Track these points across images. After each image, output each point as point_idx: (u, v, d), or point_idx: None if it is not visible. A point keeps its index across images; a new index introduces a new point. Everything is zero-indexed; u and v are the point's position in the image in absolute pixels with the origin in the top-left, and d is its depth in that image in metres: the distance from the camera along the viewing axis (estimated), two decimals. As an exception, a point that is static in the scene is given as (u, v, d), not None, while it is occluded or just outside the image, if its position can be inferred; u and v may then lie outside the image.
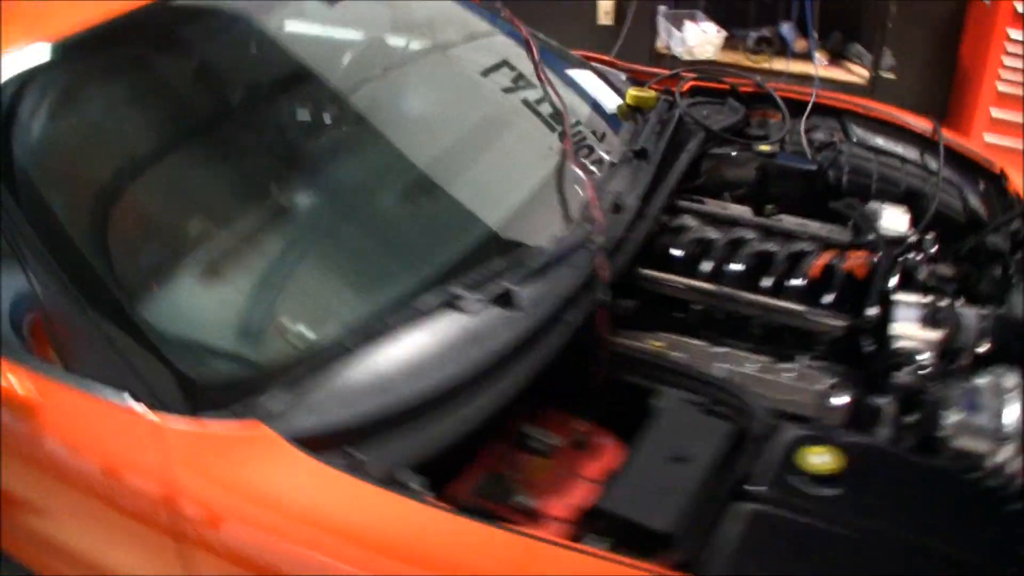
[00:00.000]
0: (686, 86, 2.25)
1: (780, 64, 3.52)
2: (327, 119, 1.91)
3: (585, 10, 3.83)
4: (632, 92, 2.14)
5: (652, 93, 2.15)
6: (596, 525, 1.23)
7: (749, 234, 1.78)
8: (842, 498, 1.24)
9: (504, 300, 1.45)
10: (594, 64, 2.35)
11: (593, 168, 1.85)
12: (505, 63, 2.10)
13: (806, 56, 3.46)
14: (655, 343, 1.61)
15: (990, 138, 3.24)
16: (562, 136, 1.89)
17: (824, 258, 1.69)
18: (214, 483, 1.30)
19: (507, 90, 2.06)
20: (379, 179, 1.78)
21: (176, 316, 1.51)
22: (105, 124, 1.73)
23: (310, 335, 1.45)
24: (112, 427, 1.40)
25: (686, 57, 3.44)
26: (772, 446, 1.32)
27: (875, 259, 1.68)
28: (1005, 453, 1.34)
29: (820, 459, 1.28)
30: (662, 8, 3.63)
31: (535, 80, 2.05)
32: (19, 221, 1.45)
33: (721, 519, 1.20)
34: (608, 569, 1.09)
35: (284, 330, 1.45)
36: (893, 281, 1.62)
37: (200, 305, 1.54)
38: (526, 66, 2.09)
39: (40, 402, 1.44)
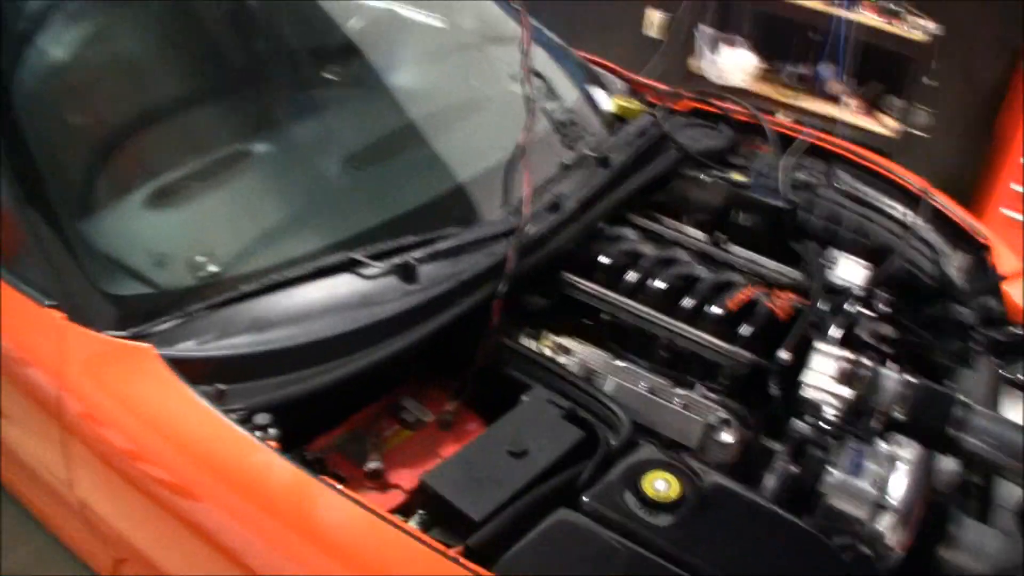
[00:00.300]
0: (683, 105, 2.25)
1: (810, 103, 3.48)
2: (298, 77, 1.97)
3: (632, 21, 3.83)
4: (617, 101, 2.16)
5: (638, 105, 2.16)
6: (420, 499, 1.27)
7: (684, 256, 1.79)
8: (668, 527, 1.25)
9: (403, 272, 1.49)
10: (594, 68, 2.37)
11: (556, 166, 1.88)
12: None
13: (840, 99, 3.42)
14: (551, 343, 1.63)
15: (1006, 212, 3.17)
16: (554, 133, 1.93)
17: (747, 293, 1.68)
18: (96, 387, 1.41)
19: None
20: (330, 139, 1.84)
21: (108, 235, 1.60)
22: (87, 51, 1.82)
23: (215, 271, 1.50)
24: (30, 323, 1.50)
25: (716, 80, 3.43)
26: (623, 464, 1.33)
27: (802, 304, 1.68)
28: (882, 523, 1.31)
29: (660, 485, 1.29)
30: (702, 28, 3.61)
31: (555, 90, 2.07)
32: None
33: (536, 520, 1.22)
34: (398, 539, 1.13)
35: (194, 264, 1.51)
36: (834, 332, 1.60)
37: (132, 229, 1.63)
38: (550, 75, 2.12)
39: None
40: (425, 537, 1.13)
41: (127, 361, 1.38)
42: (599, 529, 1.21)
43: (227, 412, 1.27)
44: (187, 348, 1.38)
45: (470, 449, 1.34)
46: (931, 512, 1.35)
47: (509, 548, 1.17)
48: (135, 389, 1.36)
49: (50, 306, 1.47)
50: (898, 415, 1.47)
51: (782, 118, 2.26)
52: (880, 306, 1.78)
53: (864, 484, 1.33)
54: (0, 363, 1.57)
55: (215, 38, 1.99)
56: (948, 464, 1.43)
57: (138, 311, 1.46)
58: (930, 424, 1.44)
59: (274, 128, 1.86)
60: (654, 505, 1.27)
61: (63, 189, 1.62)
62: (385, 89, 2.03)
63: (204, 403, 1.29)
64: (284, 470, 1.20)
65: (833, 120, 3.35)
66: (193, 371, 1.34)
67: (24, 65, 1.69)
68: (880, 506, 1.32)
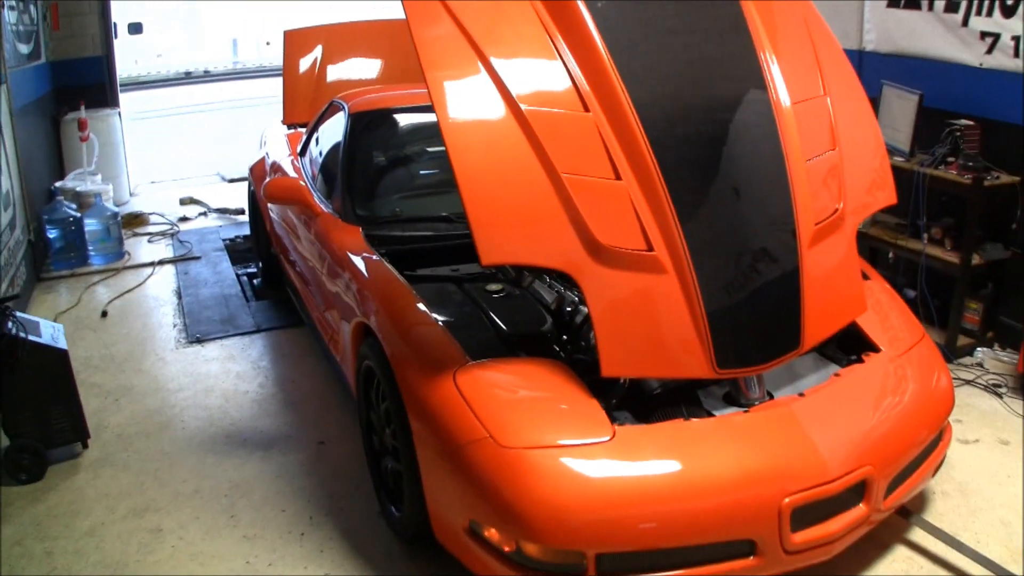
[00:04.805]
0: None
1: (907, 242, 4.94)
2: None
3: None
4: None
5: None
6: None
7: None
8: (487, 295, 3.38)
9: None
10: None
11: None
12: None
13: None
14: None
15: None
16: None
17: None
18: (336, 236, 4.13)
19: None
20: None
21: (371, 202, 4.33)
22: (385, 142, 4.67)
23: (399, 214, 4.16)
24: (328, 221, 4.29)
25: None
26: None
27: None
28: None
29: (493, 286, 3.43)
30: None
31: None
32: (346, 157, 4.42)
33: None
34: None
35: (394, 212, 4.20)
36: None
37: (380, 202, 4.36)
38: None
39: (320, 214, 4.33)
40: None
41: (349, 231, 4.05)
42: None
43: (374, 247, 3.80)
44: (373, 230, 3.93)
45: None
46: None
47: None
48: (346, 239, 3.99)
49: (333, 215, 4.28)
50: None
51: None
52: None
53: None
54: (321, 229, 4.25)
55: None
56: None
57: (365, 220, 4.06)
58: None
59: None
60: (488, 290, 3.41)
61: (362, 194, 4.31)
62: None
63: (364, 242, 3.85)
64: (378, 263, 3.69)
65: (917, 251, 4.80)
66: (370, 237, 3.91)
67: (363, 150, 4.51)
68: None
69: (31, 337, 3.82)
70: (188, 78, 17.13)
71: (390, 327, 3.25)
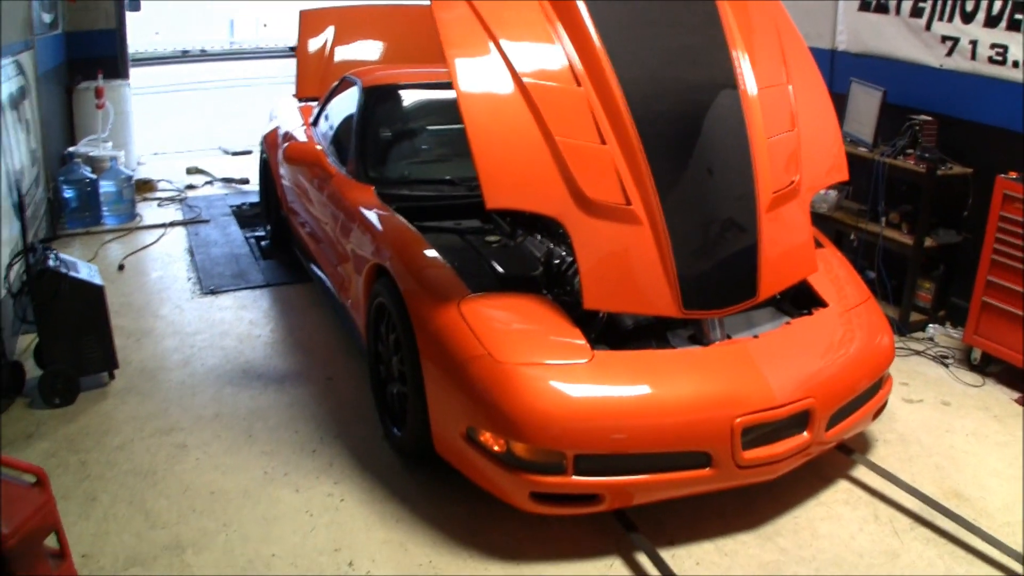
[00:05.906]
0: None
1: (867, 225, 5.51)
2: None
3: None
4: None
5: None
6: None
7: None
8: (487, 246, 3.93)
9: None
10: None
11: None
12: None
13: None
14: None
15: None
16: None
17: None
18: (350, 193, 4.66)
19: None
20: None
21: (382, 167, 4.87)
22: (395, 113, 5.24)
23: (408, 176, 4.68)
24: (341, 178, 4.84)
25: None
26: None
27: None
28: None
29: (492, 238, 3.97)
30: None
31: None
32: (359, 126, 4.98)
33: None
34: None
35: (402, 174, 4.69)
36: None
37: (391, 167, 4.91)
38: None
39: (335, 175, 4.84)
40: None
41: (362, 189, 4.59)
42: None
43: (385, 202, 4.34)
44: (384, 189, 4.49)
45: None
46: None
47: None
48: (359, 196, 4.54)
49: (347, 176, 4.82)
50: None
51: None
52: None
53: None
54: (335, 188, 4.80)
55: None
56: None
57: (376, 181, 4.62)
58: None
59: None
60: (488, 241, 3.96)
61: (374, 158, 4.87)
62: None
63: (377, 199, 4.39)
64: (392, 216, 4.24)
65: (876, 234, 5.36)
66: (381, 194, 4.44)
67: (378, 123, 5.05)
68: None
69: (71, 273, 4.34)
70: (185, 56, 17.68)
71: (403, 268, 3.78)
